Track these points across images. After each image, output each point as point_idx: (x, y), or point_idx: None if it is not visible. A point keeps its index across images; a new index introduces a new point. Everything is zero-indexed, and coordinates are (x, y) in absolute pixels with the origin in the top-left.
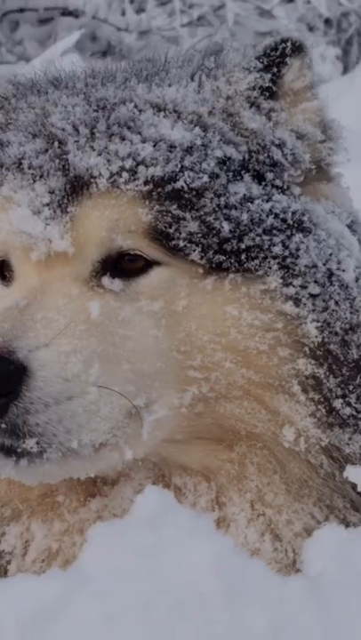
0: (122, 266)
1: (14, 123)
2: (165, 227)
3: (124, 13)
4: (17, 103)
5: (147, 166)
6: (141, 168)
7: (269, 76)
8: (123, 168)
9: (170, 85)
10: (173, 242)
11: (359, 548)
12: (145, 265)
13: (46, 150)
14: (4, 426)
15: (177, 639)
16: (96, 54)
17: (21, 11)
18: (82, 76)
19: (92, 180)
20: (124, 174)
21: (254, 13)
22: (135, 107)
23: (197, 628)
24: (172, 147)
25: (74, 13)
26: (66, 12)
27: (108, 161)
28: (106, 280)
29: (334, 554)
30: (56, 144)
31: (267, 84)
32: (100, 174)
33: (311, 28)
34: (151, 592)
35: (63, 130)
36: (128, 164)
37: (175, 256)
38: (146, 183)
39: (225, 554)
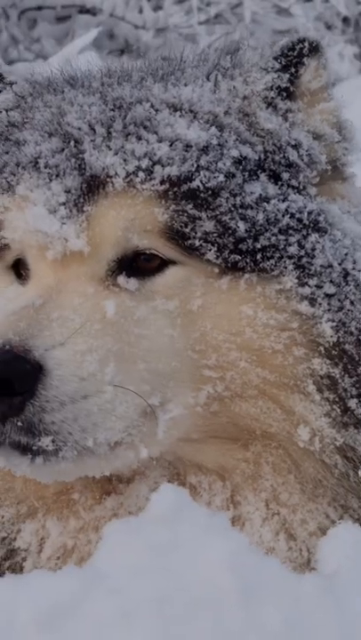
0: (138, 265)
1: (30, 122)
2: (181, 226)
3: (141, 11)
4: (33, 102)
5: (163, 166)
6: (157, 168)
7: (287, 76)
8: (139, 168)
9: (186, 85)
10: (189, 241)
11: None
12: (160, 264)
13: (62, 149)
14: (20, 424)
15: (192, 636)
16: (114, 52)
17: (39, 8)
18: (98, 75)
19: (108, 179)
20: (141, 174)
21: (272, 11)
22: (152, 106)
23: (212, 626)
24: (188, 146)
25: (91, 11)
26: (83, 10)
27: (125, 160)
28: (121, 279)
29: (349, 552)
30: (72, 143)
31: (284, 85)
32: (117, 174)
33: (329, 27)
34: (166, 589)
35: (79, 129)
36: (144, 163)
37: (191, 255)
38: (162, 183)
39: (240, 552)
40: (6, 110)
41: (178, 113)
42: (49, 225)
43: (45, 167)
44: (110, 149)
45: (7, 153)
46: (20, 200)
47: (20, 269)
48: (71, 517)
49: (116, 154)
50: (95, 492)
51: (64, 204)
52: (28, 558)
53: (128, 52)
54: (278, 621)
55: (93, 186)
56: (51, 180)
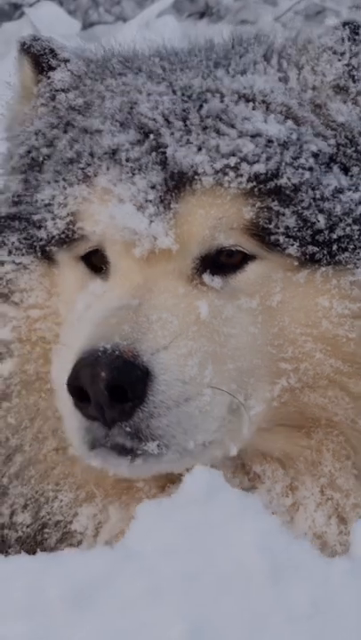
0: (220, 261)
1: (98, 108)
2: (266, 222)
3: None
4: (93, 85)
5: (250, 163)
6: (244, 165)
7: (358, 60)
8: (227, 166)
9: (245, 71)
10: (273, 237)
11: None
12: (242, 260)
13: (141, 142)
14: (128, 429)
15: (219, 615)
16: (193, 15)
17: None
18: (156, 59)
19: (196, 177)
20: (229, 172)
21: None
22: (224, 97)
23: (240, 605)
24: (269, 142)
25: None
26: None
27: (212, 158)
28: (206, 277)
29: None
30: (151, 136)
31: (358, 67)
32: (205, 172)
33: None
34: (196, 568)
35: (154, 120)
36: (232, 161)
37: (272, 251)
38: (249, 180)
39: (271, 533)
40: (63, 91)
41: (251, 105)
42: (138, 222)
43: (127, 160)
44: (192, 144)
45: (77, 141)
46: (101, 193)
47: (93, 261)
48: (132, 504)
49: (201, 150)
50: (159, 481)
51: (152, 201)
52: (83, 541)
53: (208, 16)
54: (306, 602)
55: (180, 183)
56: (133, 175)
